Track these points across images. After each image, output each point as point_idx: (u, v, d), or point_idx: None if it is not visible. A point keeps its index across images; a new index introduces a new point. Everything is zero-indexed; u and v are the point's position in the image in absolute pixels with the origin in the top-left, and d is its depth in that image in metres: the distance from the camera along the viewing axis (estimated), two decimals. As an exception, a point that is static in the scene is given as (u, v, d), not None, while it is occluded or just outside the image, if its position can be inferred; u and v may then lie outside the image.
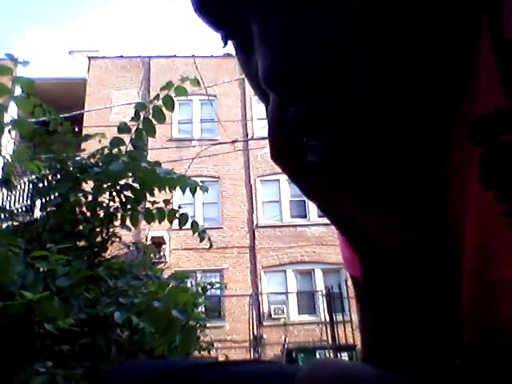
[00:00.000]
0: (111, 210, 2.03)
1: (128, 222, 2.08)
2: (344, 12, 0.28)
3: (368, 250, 0.35)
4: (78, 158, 2.10)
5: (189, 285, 2.96)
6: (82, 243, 2.01)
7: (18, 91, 1.90)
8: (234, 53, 0.38)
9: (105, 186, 1.98)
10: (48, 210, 2.06)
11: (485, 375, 0.31)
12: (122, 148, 2.04)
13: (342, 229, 0.36)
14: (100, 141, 2.10)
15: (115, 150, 2.02)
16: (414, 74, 0.28)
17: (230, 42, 0.35)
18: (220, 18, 0.33)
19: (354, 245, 0.36)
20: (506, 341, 0.28)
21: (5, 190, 7.56)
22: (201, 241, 2.28)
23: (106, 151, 2.03)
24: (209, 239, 2.32)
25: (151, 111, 2.06)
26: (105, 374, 0.43)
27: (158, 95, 2.06)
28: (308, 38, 0.28)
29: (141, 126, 2.06)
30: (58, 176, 2.11)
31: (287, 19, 0.29)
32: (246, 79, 0.37)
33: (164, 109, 2.06)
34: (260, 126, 13.83)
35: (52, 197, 2.06)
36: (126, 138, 2.06)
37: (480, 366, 0.31)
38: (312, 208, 13.30)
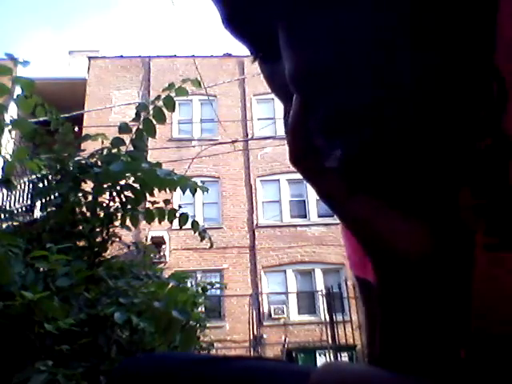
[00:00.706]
0: (111, 210, 2.03)
1: (128, 222, 2.08)
2: (374, 10, 0.28)
3: (384, 255, 0.35)
4: (78, 158, 2.10)
5: (189, 285, 2.96)
6: (82, 243, 2.01)
7: (18, 91, 1.90)
8: (253, 62, 0.38)
9: (105, 186, 1.98)
10: (48, 210, 2.06)
11: (493, 366, 0.31)
12: (122, 148, 2.04)
13: (357, 232, 0.36)
14: (103, 142, 2.10)
15: (115, 150, 2.03)
16: (446, 72, 0.28)
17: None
18: (250, 30, 0.33)
19: (368, 249, 0.36)
20: None
21: (5, 190, 7.56)
22: (201, 240, 2.29)
23: (106, 151, 2.03)
24: (209, 239, 2.33)
25: (152, 112, 2.06)
26: (117, 368, 0.44)
27: (159, 96, 2.06)
28: (336, 38, 0.28)
29: (141, 127, 2.06)
30: (59, 176, 2.11)
31: (315, 20, 0.29)
32: (271, 90, 0.37)
33: (165, 109, 2.06)
34: (260, 126, 13.84)
35: (52, 197, 2.07)
36: (127, 138, 2.06)
37: (488, 357, 0.31)
38: (312, 208, 13.31)
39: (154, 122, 2.06)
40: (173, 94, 2.07)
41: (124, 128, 2.03)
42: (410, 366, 0.38)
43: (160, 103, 2.06)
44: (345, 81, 0.29)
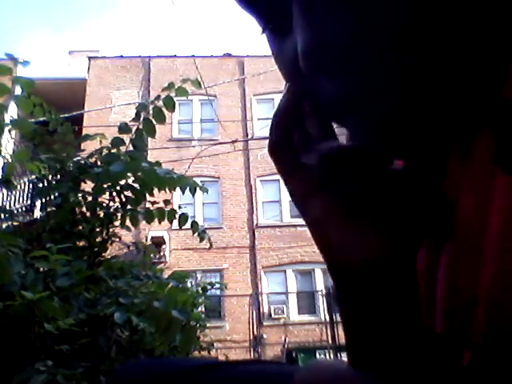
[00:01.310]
0: (111, 210, 2.03)
1: (128, 222, 2.08)
2: None
3: (333, 261, 0.36)
4: (77, 158, 2.10)
5: (189, 285, 2.96)
6: (81, 243, 2.01)
7: (18, 91, 1.90)
8: (265, 40, 0.37)
9: (105, 186, 1.98)
10: (48, 210, 2.06)
11: (500, 370, 0.31)
12: (122, 148, 2.04)
13: (312, 232, 0.36)
14: (101, 142, 2.10)
15: (114, 150, 2.03)
16: (456, 60, 0.27)
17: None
18: (261, 2, 0.33)
19: (321, 252, 0.37)
20: None
21: (5, 190, 7.56)
22: (201, 241, 2.29)
23: (105, 151, 2.03)
24: (209, 239, 2.33)
25: (151, 111, 2.06)
26: (113, 375, 0.44)
27: (158, 96, 2.06)
28: (356, 17, 0.27)
29: (141, 127, 2.06)
30: (58, 176, 2.11)
31: None
32: (277, 66, 0.36)
33: (164, 109, 2.06)
34: (260, 126, 13.84)
35: (52, 197, 2.07)
36: (127, 138, 2.06)
37: (495, 361, 0.31)
38: (312, 208, 13.29)
39: (154, 122, 2.06)
40: (173, 94, 2.07)
41: (124, 128, 2.03)
42: (383, 367, 0.38)
43: (160, 103, 2.06)
44: (361, 61, 0.28)
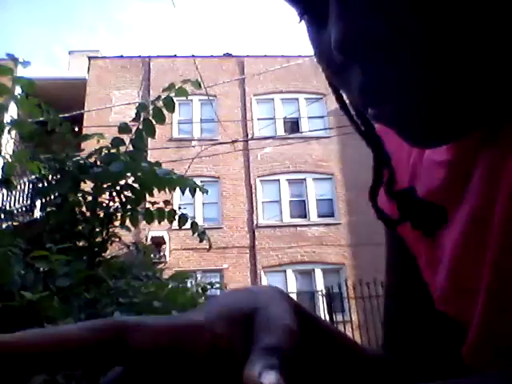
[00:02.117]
0: (111, 210, 2.03)
1: (128, 222, 2.08)
2: None
3: None
4: (77, 158, 2.10)
5: (189, 285, 2.96)
6: (81, 243, 2.01)
7: (18, 91, 1.91)
8: (304, 29, 0.37)
9: (104, 186, 1.99)
10: (48, 210, 2.06)
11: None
12: (122, 148, 2.04)
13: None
14: (98, 141, 2.10)
15: (114, 150, 2.03)
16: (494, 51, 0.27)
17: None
18: None
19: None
20: None
21: (5, 190, 7.56)
22: (200, 241, 2.29)
23: (105, 151, 2.03)
24: (208, 240, 2.33)
25: (151, 112, 2.07)
26: (111, 376, 0.43)
27: (159, 96, 2.06)
28: (389, 8, 0.28)
29: (141, 127, 2.06)
30: (58, 176, 2.11)
31: None
32: (316, 58, 0.36)
33: (164, 110, 2.06)
34: (260, 126, 13.84)
35: (52, 197, 2.07)
36: (126, 138, 2.06)
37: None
38: (312, 208, 13.31)
39: (154, 122, 2.06)
40: (173, 95, 2.07)
41: (124, 128, 2.03)
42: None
43: (160, 104, 2.06)
44: (392, 55, 0.28)
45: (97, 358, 0.27)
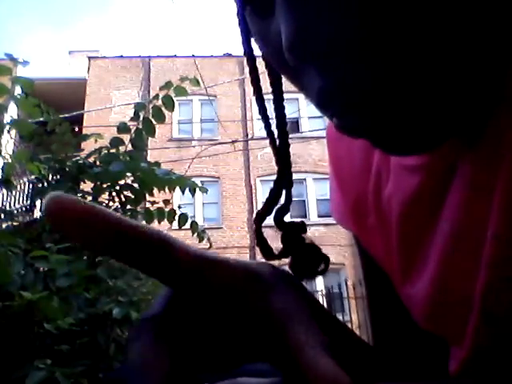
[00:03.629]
0: (111, 210, 2.03)
1: (128, 222, 2.08)
2: None
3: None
4: (76, 158, 2.10)
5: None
6: (81, 243, 2.01)
7: (17, 91, 1.90)
8: (237, 15, 0.33)
9: (104, 186, 1.98)
10: (48, 210, 2.05)
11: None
12: (121, 148, 2.04)
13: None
14: (96, 141, 2.10)
15: (113, 150, 2.03)
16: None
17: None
18: None
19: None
20: None
21: (5, 190, 7.56)
22: (200, 241, 2.29)
23: (104, 151, 2.03)
24: (208, 239, 2.33)
25: (151, 111, 2.06)
26: (111, 374, 0.44)
27: (157, 95, 2.06)
28: (341, 8, 0.24)
29: (140, 126, 2.06)
30: (58, 176, 2.11)
31: None
32: (259, 47, 0.33)
33: (164, 109, 2.06)
34: (260, 126, 13.83)
35: (52, 197, 2.06)
36: (126, 138, 2.06)
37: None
38: (312, 208, 13.31)
39: (154, 121, 2.06)
40: (172, 94, 2.07)
41: (123, 128, 2.03)
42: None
43: (159, 102, 2.06)
44: (344, 55, 0.25)
45: (145, 255, 0.26)
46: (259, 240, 0.41)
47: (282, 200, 0.40)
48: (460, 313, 0.32)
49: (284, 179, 0.39)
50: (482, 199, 0.28)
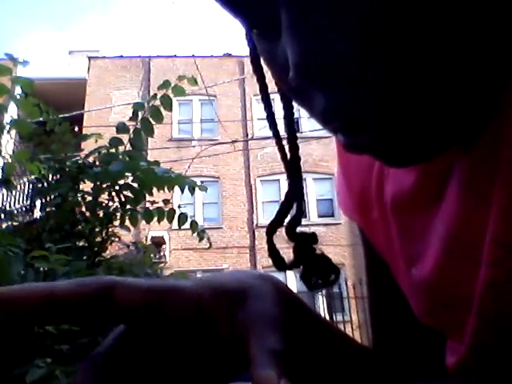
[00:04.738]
0: (110, 209, 2.03)
1: (127, 222, 2.08)
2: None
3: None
4: (76, 158, 2.10)
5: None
6: (81, 243, 2.02)
7: (17, 91, 1.91)
8: (246, 37, 0.34)
9: (104, 185, 1.99)
10: (48, 210, 2.06)
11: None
12: (120, 148, 2.05)
13: None
14: (96, 141, 2.10)
15: (112, 150, 2.03)
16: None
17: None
18: (248, 6, 0.29)
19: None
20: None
21: (5, 190, 7.57)
22: (200, 240, 2.29)
23: (104, 151, 2.03)
24: (208, 239, 2.33)
25: (150, 111, 2.07)
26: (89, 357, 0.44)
27: (155, 95, 2.06)
28: (343, 28, 0.25)
29: (139, 126, 2.06)
30: (58, 176, 2.11)
31: (326, 4, 0.25)
32: (267, 66, 0.33)
33: (162, 108, 2.06)
34: (260, 126, 13.84)
35: (52, 197, 2.07)
36: (125, 138, 2.06)
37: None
38: (312, 208, 13.31)
39: (152, 121, 2.06)
40: (171, 94, 2.07)
41: (122, 128, 2.03)
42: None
43: (157, 102, 2.06)
44: (353, 78, 0.25)
45: (83, 312, 0.27)
46: (271, 252, 0.42)
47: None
48: (458, 312, 0.32)
49: (295, 191, 0.40)
50: (480, 203, 0.29)
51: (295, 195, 0.40)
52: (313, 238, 0.40)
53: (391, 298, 0.44)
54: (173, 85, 2.06)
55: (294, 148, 0.40)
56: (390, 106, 0.26)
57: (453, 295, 0.32)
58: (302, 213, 0.41)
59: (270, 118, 0.41)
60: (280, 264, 0.42)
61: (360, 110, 0.26)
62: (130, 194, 2.02)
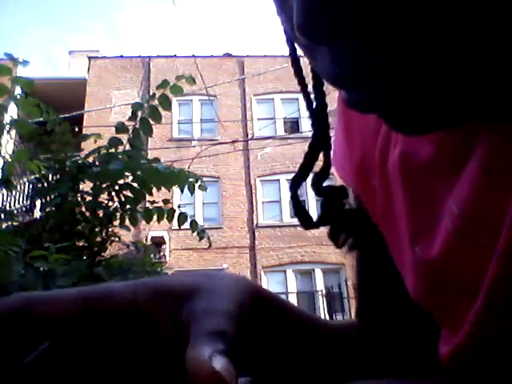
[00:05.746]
0: (110, 209, 2.03)
1: (127, 222, 2.08)
2: None
3: None
4: (76, 158, 2.11)
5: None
6: (81, 243, 2.02)
7: (17, 91, 1.91)
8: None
9: (104, 185, 1.99)
10: (47, 210, 2.06)
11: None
12: (120, 148, 2.05)
13: None
14: (95, 141, 2.10)
15: (112, 150, 2.03)
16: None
17: None
18: None
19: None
20: None
21: (5, 190, 7.57)
22: (200, 240, 2.29)
23: (103, 151, 2.04)
24: (208, 239, 2.33)
25: (148, 111, 2.07)
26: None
27: (153, 94, 2.07)
28: None
29: (138, 126, 2.06)
30: (58, 176, 2.11)
31: None
32: (281, 24, 0.31)
33: (160, 108, 2.06)
34: (260, 126, 13.84)
35: (52, 197, 2.07)
36: (125, 137, 2.07)
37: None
38: (312, 208, 13.30)
39: (151, 121, 2.06)
40: (169, 94, 2.07)
41: (121, 128, 2.03)
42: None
43: (156, 102, 2.06)
44: (369, 36, 0.24)
45: (2, 331, 0.27)
46: (297, 208, 0.37)
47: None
48: (458, 298, 0.31)
49: (321, 141, 0.37)
50: (501, 186, 0.27)
51: (322, 145, 0.37)
52: (342, 192, 0.37)
53: (380, 278, 0.42)
54: (171, 84, 2.06)
55: (320, 95, 0.37)
56: (401, 57, 0.24)
57: (457, 279, 0.31)
58: (330, 165, 0.37)
59: (311, 110, 0.39)
60: (306, 221, 0.37)
61: (367, 57, 0.24)
62: (129, 194, 2.02)
